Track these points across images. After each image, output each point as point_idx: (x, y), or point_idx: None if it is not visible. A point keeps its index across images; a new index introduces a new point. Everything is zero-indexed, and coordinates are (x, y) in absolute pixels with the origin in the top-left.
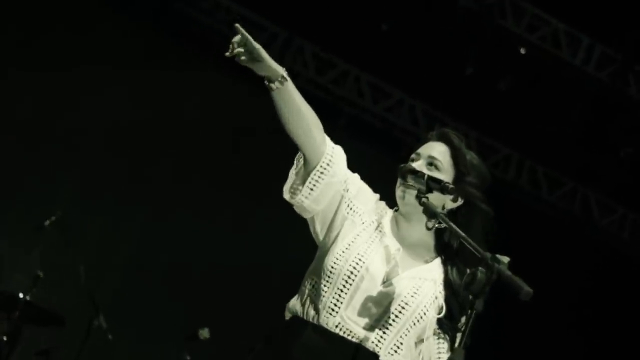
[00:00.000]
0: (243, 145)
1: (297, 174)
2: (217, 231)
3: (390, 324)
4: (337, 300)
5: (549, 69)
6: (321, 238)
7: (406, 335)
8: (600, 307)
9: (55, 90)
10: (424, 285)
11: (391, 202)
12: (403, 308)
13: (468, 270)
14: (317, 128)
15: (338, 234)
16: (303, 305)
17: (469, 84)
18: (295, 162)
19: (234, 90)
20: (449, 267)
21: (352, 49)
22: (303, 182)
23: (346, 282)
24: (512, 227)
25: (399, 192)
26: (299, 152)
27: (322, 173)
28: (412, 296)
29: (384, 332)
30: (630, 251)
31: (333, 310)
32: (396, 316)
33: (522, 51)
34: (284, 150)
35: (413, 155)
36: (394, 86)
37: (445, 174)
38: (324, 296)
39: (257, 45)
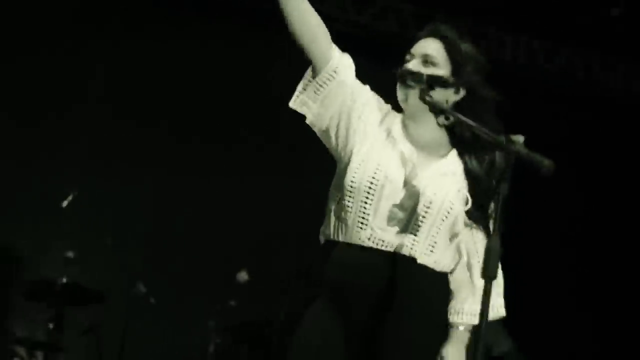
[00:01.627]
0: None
1: (305, 82)
2: (235, 183)
3: (420, 225)
4: (364, 213)
5: None
6: (338, 152)
7: (438, 232)
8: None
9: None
10: (444, 180)
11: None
12: (428, 207)
13: (486, 157)
14: (324, 34)
15: (353, 146)
16: (332, 226)
17: None
18: (304, 77)
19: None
20: (467, 157)
21: None
22: (309, 87)
23: (368, 193)
24: (519, 106)
25: (400, 95)
26: (308, 69)
27: (327, 79)
28: (434, 193)
29: (416, 235)
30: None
31: (362, 223)
32: (423, 216)
33: None
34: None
35: (407, 56)
36: None
37: (443, 69)
38: (350, 212)
39: None
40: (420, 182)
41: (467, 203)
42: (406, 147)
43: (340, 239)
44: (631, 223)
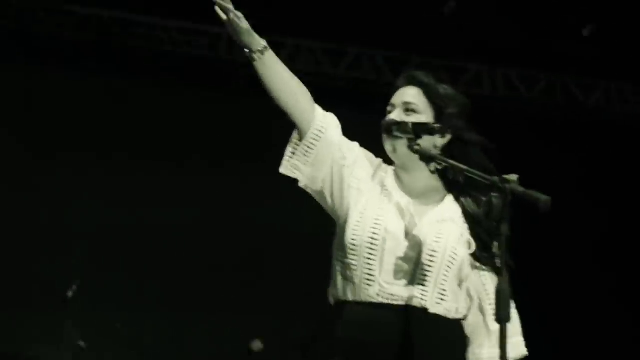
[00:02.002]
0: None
1: (292, 146)
2: (243, 254)
3: (427, 275)
4: (370, 269)
5: None
6: (335, 212)
7: (445, 280)
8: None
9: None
10: (444, 226)
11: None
12: (432, 256)
13: (483, 198)
14: (304, 96)
15: (349, 205)
16: (339, 286)
17: (409, 12)
18: (290, 141)
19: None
20: (464, 200)
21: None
22: (298, 150)
23: (371, 249)
24: (509, 139)
25: (388, 147)
26: (294, 132)
27: (314, 139)
28: (436, 241)
29: (424, 285)
30: (624, 121)
31: (369, 280)
32: (429, 266)
33: None
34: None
35: (388, 108)
36: (348, 44)
37: (425, 115)
38: (355, 270)
39: (240, 14)
40: (420, 232)
41: (470, 247)
42: (402, 199)
43: (350, 298)
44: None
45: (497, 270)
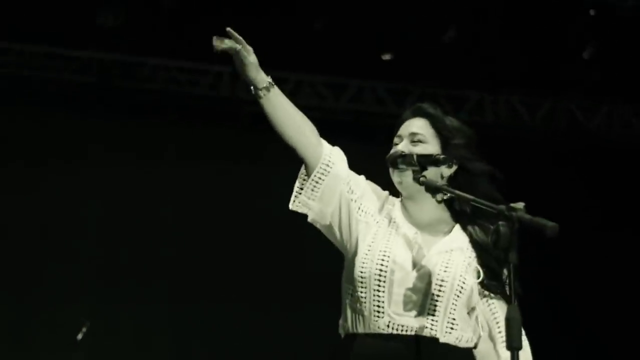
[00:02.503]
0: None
1: (301, 181)
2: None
3: (436, 305)
4: (379, 301)
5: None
6: (343, 245)
7: (455, 309)
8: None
9: None
10: (452, 256)
11: (394, 191)
12: (441, 285)
13: (490, 226)
14: (311, 131)
15: (357, 238)
16: (349, 319)
17: (408, 43)
18: (299, 176)
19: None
20: (471, 229)
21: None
22: (306, 186)
23: (379, 281)
24: (516, 166)
25: (395, 179)
26: (302, 167)
27: (322, 173)
28: (445, 271)
29: (434, 315)
30: (625, 145)
31: (378, 312)
32: (438, 295)
33: None
34: None
35: (395, 139)
36: (349, 77)
37: (432, 145)
38: (364, 302)
39: (250, 48)
40: (429, 262)
41: (479, 275)
42: (409, 230)
43: (360, 330)
44: None
45: (506, 298)
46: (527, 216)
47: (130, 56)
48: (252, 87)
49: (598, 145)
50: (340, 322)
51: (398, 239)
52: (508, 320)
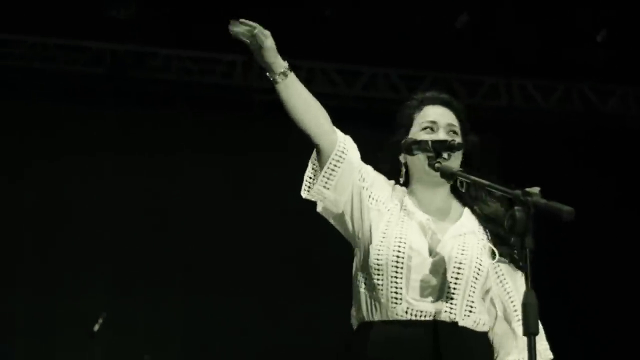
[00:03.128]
0: None
1: (312, 169)
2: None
3: (455, 289)
4: (397, 288)
5: None
6: (355, 234)
7: (474, 292)
8: None
9: None
10: (467, 239)
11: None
12: (459, 269)
13: (494, 201)
14: (325, 117)
15: (370, 226)
16: (365, 307)
17: (421, 28)
18: (309, 163)
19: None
20: (477, 208)
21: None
22: (320, 175)
23: (397, 267)
24: (532, 150)
25: (432, 167)
26: (313, 153)
27: (338, 161)
28: (462, 254)
29: (452, 299)
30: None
31: (396, 298)
32: (456, 279)
33: None
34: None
35: (430, 125)
36: (360, 63)
37: (459, 137)
38: (381, 290)
39: (267, 32)
40: (444, 247)
41: (494, 256)
42: (422, 216)
43: (376, 318)
44: None
45: (515, 263)
46: (543, 201)
47: (142, 47)
48: (268, 73)
49: (612, 128)
50: (353, 312)
51: (412, 225)
52: (525, 305)
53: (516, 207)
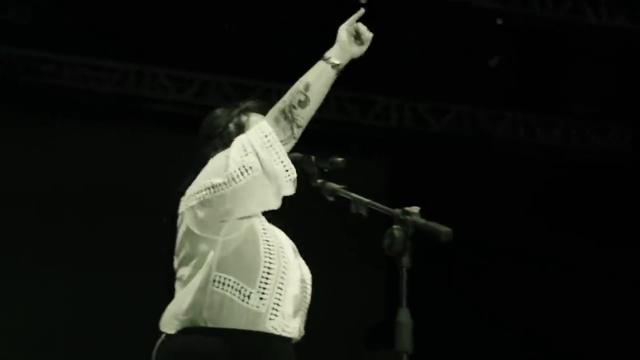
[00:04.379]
0: None
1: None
2: None
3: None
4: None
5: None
6: None
7: None
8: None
9: None
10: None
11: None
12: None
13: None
14: None
15: None
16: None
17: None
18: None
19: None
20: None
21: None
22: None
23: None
24: (416, 169)
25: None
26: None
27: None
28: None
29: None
30: (525, 152)
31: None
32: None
33: None
34: None
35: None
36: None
37: None
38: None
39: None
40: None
41: None
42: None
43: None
44: None
45: None
46: (422, 220)
47: (35, 51)
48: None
49: (501, 152)
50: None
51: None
52: (399, 324)
53: (395, 226)
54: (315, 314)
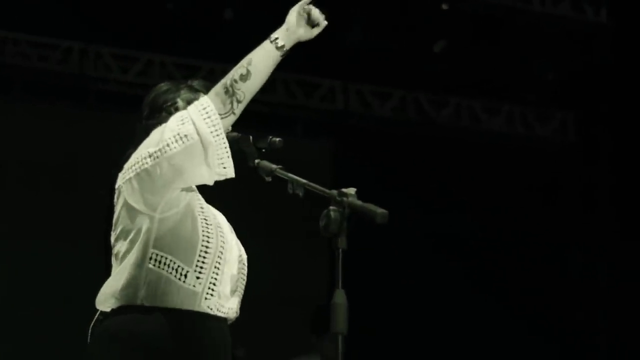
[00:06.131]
0: None
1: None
2: None
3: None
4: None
5: None
6: None
7: None
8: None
9: None
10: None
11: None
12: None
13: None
14: None
15: None
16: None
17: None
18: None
19: None
20: None
21: None
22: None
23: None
24: (364, 154)
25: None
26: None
27: None
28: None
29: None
30: (474, 138)
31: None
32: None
33: None
34: None
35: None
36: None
37: None
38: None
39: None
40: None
41: None
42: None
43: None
44: None
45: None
46: (358, 202)
47: None
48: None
49: (444, 137)
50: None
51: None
52: (334, 305)
53: (331, 207)
54: (259, 296)
